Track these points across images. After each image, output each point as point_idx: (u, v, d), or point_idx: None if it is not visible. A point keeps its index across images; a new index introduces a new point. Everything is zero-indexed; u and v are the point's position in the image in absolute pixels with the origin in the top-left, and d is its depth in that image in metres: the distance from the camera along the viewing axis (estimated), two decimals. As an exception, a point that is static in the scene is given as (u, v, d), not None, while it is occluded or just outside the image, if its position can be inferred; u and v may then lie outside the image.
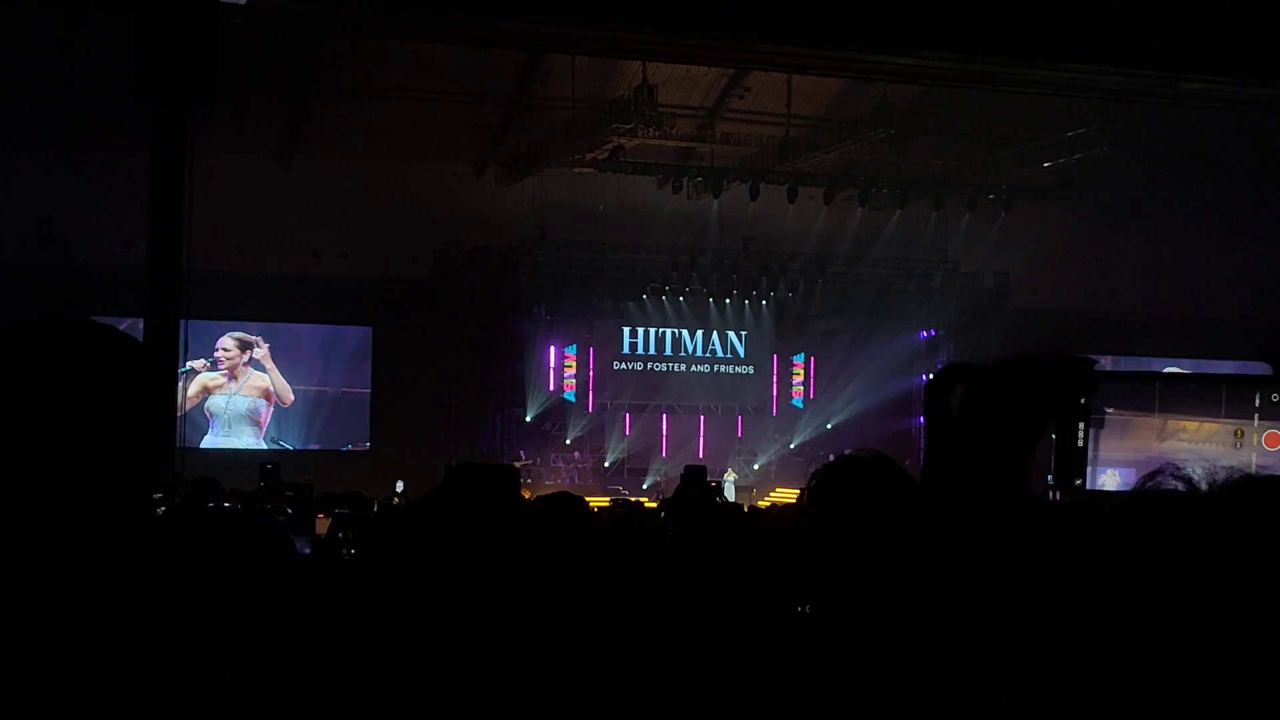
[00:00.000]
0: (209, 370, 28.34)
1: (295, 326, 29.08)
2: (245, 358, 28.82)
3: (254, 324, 28.60)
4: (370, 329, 29.43)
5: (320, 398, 29.21)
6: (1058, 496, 1.44)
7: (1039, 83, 22.53)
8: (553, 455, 30.13)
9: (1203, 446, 1.46)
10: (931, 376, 1.45)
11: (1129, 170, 26.74)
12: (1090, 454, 1.44)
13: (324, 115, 26.08)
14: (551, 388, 30.65)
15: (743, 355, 32.00)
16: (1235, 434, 1.46)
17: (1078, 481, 1.44)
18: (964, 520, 1.39)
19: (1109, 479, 1.46)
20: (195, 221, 17.30)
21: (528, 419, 30.26)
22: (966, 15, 18.19)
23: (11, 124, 23.74)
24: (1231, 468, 1.16)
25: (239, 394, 28.81)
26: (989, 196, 28.55)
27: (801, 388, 32.30)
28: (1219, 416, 1.48)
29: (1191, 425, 1.45)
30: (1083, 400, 1.42)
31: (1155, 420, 1.45)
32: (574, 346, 30.78)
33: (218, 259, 23.73)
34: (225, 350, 28.62)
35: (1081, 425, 1.42)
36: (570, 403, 30.77)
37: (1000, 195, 28.50)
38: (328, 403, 29.23)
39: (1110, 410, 1.44)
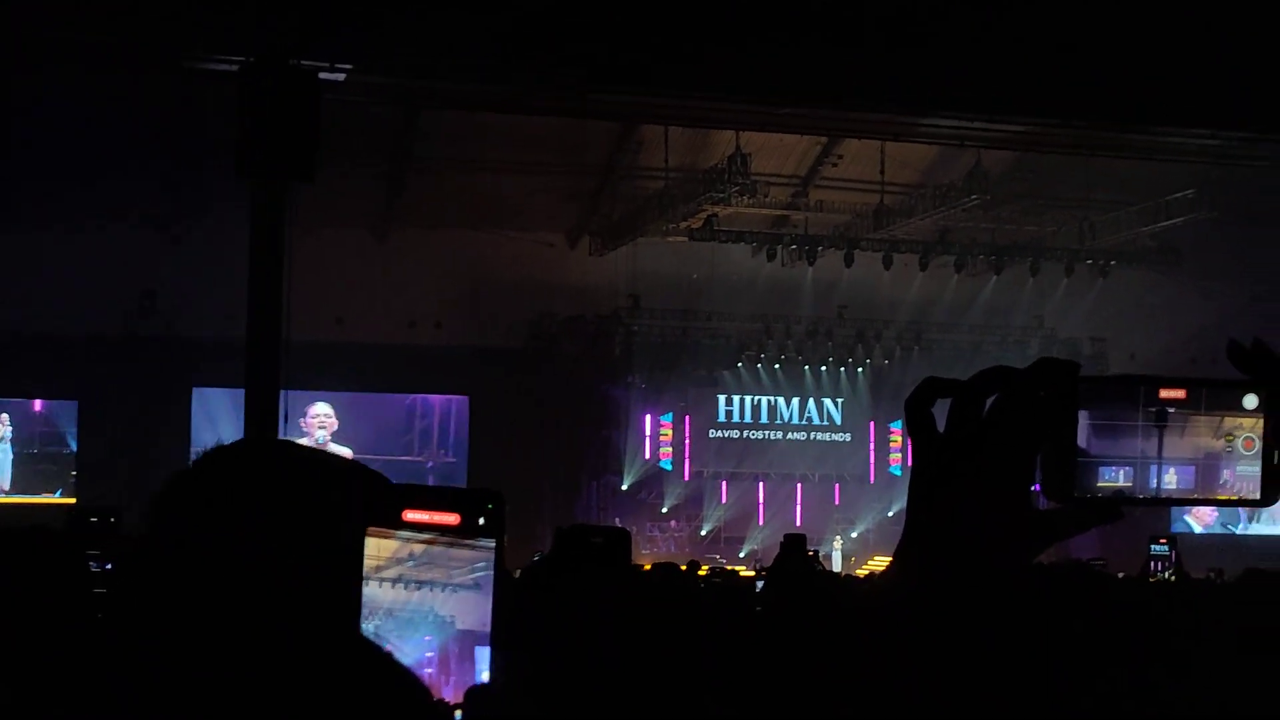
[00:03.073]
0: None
1: (389, 396, 29.27)
2: (336, 425, 29.01)
3: (351, 394, 28.77)
4: (466, 398, 29.59)
5: (413, 467, 29.11)
6: (1049, 505, 1.42)
7: (1135, 147, 22.36)
8: (649, 524, 30.04)
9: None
10: (909, 395, 1.42)
11: (1229, 233, 26.40)
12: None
13: (419, 187, 26.35)
14: (647, 456, 30.61)
15: (839, 423, 31.84)
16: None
17: (1075, 492, 1.42)
18: (961, 551, 1.36)
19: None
20: (294, 293, 17.54)
21: (624, 488, 30.23)
22: (1061, 80, 18.11)
23: (117, 200, 24.23)
24: None
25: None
26: (1086, 262, 28.32)
27: (899, 455, 32.01)
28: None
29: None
30: (1072, 405, 1.41)
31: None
32: (669, 415, 30.75)
33: (316, 330, 24.01)
34: (328, 416, 28.79)
35: (1074, 428, 1.41)
36: (666, 471, 30.71)
37: (1098, 260, 28.25)
38: (422, 473, 29.18)
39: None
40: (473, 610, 1.57)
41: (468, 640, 1.56)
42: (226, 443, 1.63)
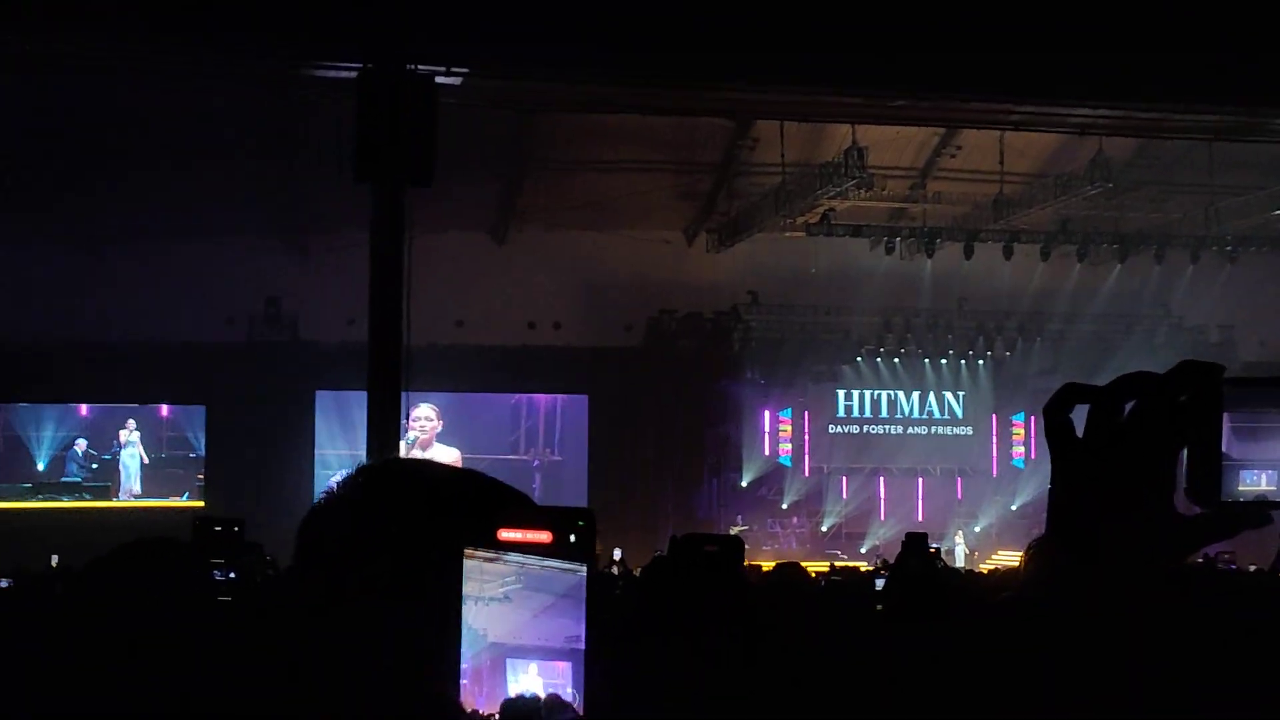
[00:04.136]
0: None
1: (494, 396, 29.29)
2: (440, 427, 29.00)
3: (458, 395, 28.75)
4: (586, 398, 29.68)
5: (520, 466, 28.96)
6: (1191, 510, 1.38)
7: (1264, 131, 21.90)
8: (770, 520, 29.98)
9: None
10: (1048, 401, 1.40)
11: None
12: None
13: (536, 189, 26.51)
14: (767, 452, 30.54)
15: (960, 416, 31.53)
16: None
17: (1221, 497, 1.38)
18: (1104, 553, 1.35)
19: None
20: (414, 297, 17.70)
21: (744, 484, 30.20)
22: (1185, 65, 17.78)
23: (242, 211, 24.65)
24: None
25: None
26: (1213, 248, 27.80)
27: (1022, 448, 31.64)
28: None
29: None
30: (1217, 409, 1.36)
31: None
32: (789, 410, 30.65)
33: (436, 333, 24.21)
34: (429, 420, 28.75)
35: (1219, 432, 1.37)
36: (786, 467, 30.62)
37: (1225, 246, 27.73)
38: (529, 471, 29.07)
39: None
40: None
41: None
42: (362, 463, 1.75)
